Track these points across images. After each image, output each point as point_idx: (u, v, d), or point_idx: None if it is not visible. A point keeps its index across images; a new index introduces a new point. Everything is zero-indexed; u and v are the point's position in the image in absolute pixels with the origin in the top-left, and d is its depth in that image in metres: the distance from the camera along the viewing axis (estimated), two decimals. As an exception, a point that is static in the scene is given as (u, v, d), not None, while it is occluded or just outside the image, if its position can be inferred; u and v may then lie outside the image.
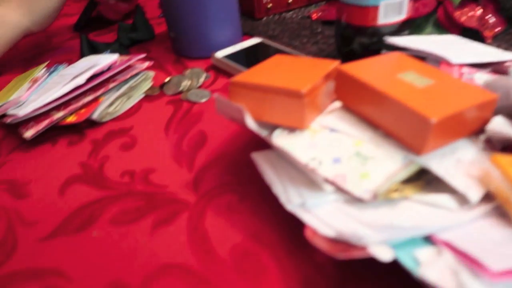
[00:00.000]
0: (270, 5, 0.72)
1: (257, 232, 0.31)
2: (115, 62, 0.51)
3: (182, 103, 0.49)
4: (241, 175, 0.36)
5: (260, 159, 0.33)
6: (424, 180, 0.30)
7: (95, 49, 0.64)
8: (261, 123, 0.36)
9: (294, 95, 0.33)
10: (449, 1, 0.55)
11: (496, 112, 0.34)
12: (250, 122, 0.32)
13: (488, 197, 0.28)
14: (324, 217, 0.27)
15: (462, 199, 0.28)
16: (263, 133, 0.36)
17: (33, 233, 0.32)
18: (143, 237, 0.31)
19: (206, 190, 0.35)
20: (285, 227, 0.31)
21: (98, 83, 0.49)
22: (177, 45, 0.61)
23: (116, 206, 0.34)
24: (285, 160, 0.32)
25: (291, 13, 0.74)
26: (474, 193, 0.27)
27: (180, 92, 0.52)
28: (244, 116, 0.32)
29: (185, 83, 0.53)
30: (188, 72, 0.55)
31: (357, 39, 0.50)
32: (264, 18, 0.73)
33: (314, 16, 0.70)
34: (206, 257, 0.29)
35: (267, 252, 0.29)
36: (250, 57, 0.57)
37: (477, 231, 0.25)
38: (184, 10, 0.56)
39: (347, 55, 0.53)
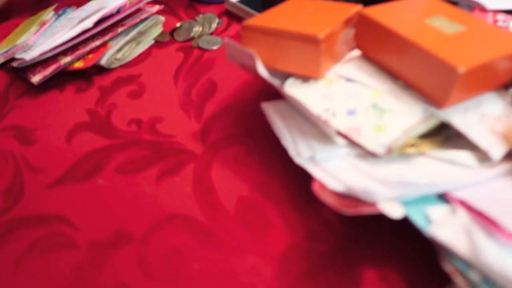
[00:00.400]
0: None
1: (263, 185, 0.30)
2: (125, 5, 0.49)
3: (192, 50, 0.47)
4: (250, 126, 0.35)
5: (270, 109, 0.31)
6: (444, 135, 0.28)
7: (105, -8, 0.62)
8: (273, 71, 0.34)
9: (309, 40, 0.30)
10: None
11: (531, 64, 0.31)
12: (262, 69, 0.30)
13: (511, 155, 0.26)
14: (334, 171, 0.25)
15: (483, 157, 0.26)
16: (275, 82, 0.34)
17: (40, 180, 0.32)
18: (148, 187, 0.31)
19: (213, 141, 0.34)
20: (293, 180, 0.30)
21: (106, 27, 0.47)
22: (189, -11, 0.58)
23: (122, 155, 0.34)
24: (297, 111, 0.31)
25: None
26: (497, 151, 0.25)
27: (191, 39, 0.50)
28: (255, 62, 0.30)
29: (197, 29, 0.50)
30: (200, 17, 0.53)
31: (382, -18, 0.46)
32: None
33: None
34: (211, 209, 0.28)
35: (273, 206, 0.28)
36: (266, 2, 0.53)
37: (496, 190, 0.23)
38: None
39: (371, 0, 0.49)
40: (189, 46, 0.48)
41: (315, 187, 0.24)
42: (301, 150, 0.27)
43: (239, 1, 0.53)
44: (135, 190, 0.31)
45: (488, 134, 0.26)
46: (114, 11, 0.47)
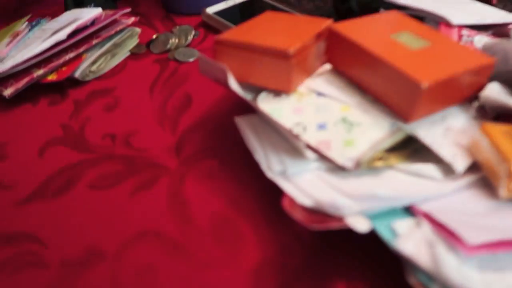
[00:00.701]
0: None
1: (236, 199, 0.30)
2: (100, 16, 0.49)
3: (168, 63, 0.47)
4: (225, 139, 0.35)
5: (243, 123, 0.32)
6: (411, 148, 0.29)
7: (80, 2, 0.61)
8: (247, 85, 0.35)
9: (280, 55, 0.31)
10: (455, -44, 0.51)
11: (493, 78, 0.32)
12: (233, 84, 0.31)
13: (475, 167, 0.27)
14: (304, 186, 0.26)
15: (448, 169, 0.27)
16: (247, 96, 0.34)
17: (9, 197, 0.32)
18: (121, 203, 0.31)
19: (188, 154, 0.34)
20: (265, 194, 0.30)
21: (81, 39, 0.46)
22: (166, 1, 0.58)
23: (95, 170, 0.33)
24: (269, 126, 0.31)
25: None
26: (460, 163, 0.26)
27: (168, 51, 0.50)
28: (227, 77, 0.31)
29: (173, 41, 0.50)
30: (176, 29, 0.53)
31: (355, -4, 0.47)
32: (260, -28, 0.69)
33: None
34: (184, 225, 0.29)
35: (245, 220, 0.29)
36: (243, 14, 0.54)
37: (459, 202, 0.24)
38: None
39: (344, 14, 0.50)
40: (165, 58, 0.48)
41: (285, 203, 0.25)
42: (273, 165, 0.28)
43: (215, 13, 0.54)
44: (108, 206, 0.30)
45: (452, 147, 0.27)
46: (88, 23, 0.47)
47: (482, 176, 0.26)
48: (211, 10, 0.54)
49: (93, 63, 0.46)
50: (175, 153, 0.35)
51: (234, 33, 0.34)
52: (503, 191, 0.23)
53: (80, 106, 0.41)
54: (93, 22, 0.47)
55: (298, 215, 0.23)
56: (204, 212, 0.29)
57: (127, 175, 0.33)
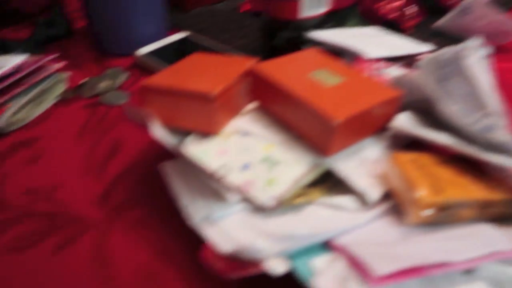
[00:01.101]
0: (199, -4, 0.70)
1: (164, 250, 0.29)
2: (24, 63, 0.47)
3: (98, 107, 0.46)
4: (154, 186, 0.35)
5: (167, 169, 0.32)
6: (331, 181, 0.30)
7: (6, 48, 0.59)
8: (176, 128, 0.35)
9: (203, 98, 0.31)
10: (370, -8, 0.55)
11: (403, 107, 0.34)
12: (157, 131, 0.30)
13: (389, 195, 0.28)
14: (226, 230, 0.26)
15: (364, 200, 0.28)
16: (174, 141, 0.34)
17: None
18: (42, 264, 0.29)
19: (114, 204, 0.33)
20: (193, 242, 0.30)
21: (3, 88, 0.45)
22: (98, 42, 0.58)
23: (14, 230, 0.31)
24: (194, 170, 0.31)
25: (221, 4, 0.72)
26: (373, 193, 0.27)
27: (98, 95, 0.49)
28: (151, 123, 0.30)
29: (103, 85, 0.50)
30: (107, 72, 0.52)
31: (281, 33, 0.49)
32: (194, 10, 0.70)
33: (244, 7, 0.69)
34: (107, 282, 0.27)
35: (173, 271, 0.28)
36: (175, 54, 0.54)
37: (374, 232, 0.25)
38: (104, 3, 0.53)
39: (272, 50, 0.52)
40: (95, 103, 0.47)
41: (204, 254, 0.24)
42: (196, 211, 0.28)
43: (148, 54, 0.54)
44: (27, 268, 0.29)
45: (366, 178, 0.28)
46: (12, 70, 0.45)
47: (395, 204, 0.28)
48: (143, 51, 0.54)
49: (17, 112, 0.44)
50: (101, 204, 0.33)
51: (160, 77, 0.34)
52: (410, 218, 0.25)
53: (0, 159, 0.39)
54: (17, 69, 0.46)
55: (218, 265, 0.23)
56: (129, 266, 0.28)
57: (49, 233, 0.31)
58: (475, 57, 0.29)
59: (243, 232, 0.25)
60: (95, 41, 0.58)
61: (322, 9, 0.48)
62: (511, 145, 0.26)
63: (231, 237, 0.25)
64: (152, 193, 0.34)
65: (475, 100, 0.28)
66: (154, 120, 0.31)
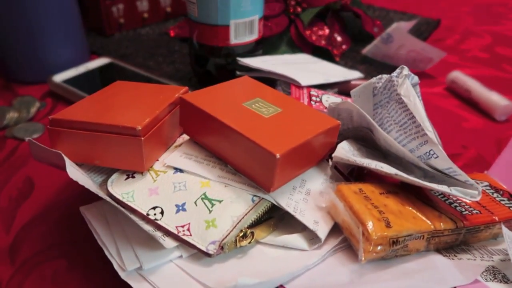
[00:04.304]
0: (122, 20, 0.66)
1: (88, 308, 0.25)
2: None
3: (5, 142, 0.40)
4: (73, 232, 0.30)
5: (90, 213, 0.27)
6: (276, 217, 0.28)
7: None
8: (95, 166, 0.31)
9: (128, 133, 0.28)
10: (300, 21, 0.56)
11: (343, 135, 0.34)
12: (73, 172, 0.26)
13: (338, 228, 0.27)
14: (162, 283, 0.23)
15: (313, 235, 0.26)
16: (98, 178, 0.30)
17: None
18: None
19: (26, 257, 0.28)
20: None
21: None
22: (4, 68, 0.51)
23: None
24: (122, 213, 0.27)
25: (147, 29, 0.69)
26: (322, 230, 0.26)
27: (5, 128, 0.43)
28: (64, 163, 0.26)
29: (11, 116, 0.44)
30: (16, 101, 0.46)
31: (211, 60, 0.47)
32: (116, 35, 0.66)
33: (172, 32, 0.66)
34: None
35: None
36: (95, 81, 0.50)
37: (325, 272, 0.23)
38: (11, 23, 0.47)
39: (203, 76, 0.50)
40: (1, 137, 0.41)
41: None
42: (127, 261, 0.24)
43: (64, 81, 0.49)
44: None
45: (313, 212, 0.27)
46: None
47: (344, 238, 0.26)
48: (58, 78, 0.49)
49: None
50: (9, 259, 0.28)
51: (74, 109, 0.30)
52: (361, 255, 0.23)
53: None
54: None
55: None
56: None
57: None
58: (408, 84, 0.29)
59: (182, 286, 0.22)
60: (1, 66, 0.52)
61: (253, 36, 0.47)
62: (451, 171, 0.26)
63: (168, 294, 0.22)
64: (72, 240, 0.29)
65: (412, 127, 0.28)
66: (67, 160, 0.27)
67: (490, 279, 0.24)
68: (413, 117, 0.28)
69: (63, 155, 0.26)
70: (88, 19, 0.66)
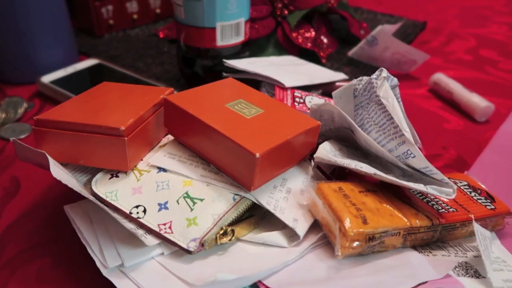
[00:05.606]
0: (111, 21, 0.66)
1: (72, 306, 0.25)
2: None
3: (-8, 142, 0.41)
4: (59, 231, 0.30)
5: (74, 212, 0.28)
6: (258, 215, 0.29)
7: None
8: (80, 166, 0.31)
9: (112, 133, 0.28)
10: (286, 23, 0.56)
11: (325, 135, 0.35)
12: (56, 171, 0.27)
13: (317, 225, 0.27)
14: (144, 280, 0.23)
15: (292, 232, 0.27)
16: (83, 178, 0.31)
17: None
18: None
19: (11, 256, 0.28)
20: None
21: None
22: (-8, 69, 0.51)
23: None
24: (105, 212, 0.28)
25: (136, 30, 0.69)
26: (301, 227, 0.26)
27: (-8, 128, 0.43)
28: (49, 163, 0.27)
29: (-2, 117, 0.44)
30: (4, 102, 0.46)
31: (198, 61, 0.48)
32: (106, 36, 0.66)
33: (161, 34, 0.67)
34: None
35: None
36: (84, 82, 0.50)
37: (303, 268, 0.24)
38: None
39: (191, 78, 0.50)
40: (-13, 138, 0.41)
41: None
42: (109, 259, 0.24)
43: (52, 82, 0.49)
44: None
45: (293, 210, 0.27)
46: None
47: (323, 235, 0.27)
48: (47, 78, 0.49)
49: None
50: (-7, 258, 0.28)
51: (60, 110, 0.30)
52: (339, 250, 0.24)
53: None
54: None
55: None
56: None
57: None
58: (387, 86, 0.30)
59: (163, 282, 0.23)
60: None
61: (240, 38, 0.48)
62: (428, 170, 0.27)
63: (149, 289, 0.22)
64: (57, 239, 0.30)
65: (390, 128, 0.29)
66: (51, 160, 0.27)
67: (462, 274, 0.25)
68: (392, 118, 0.29)
69: (47, 155, 0.26)
70: (78, 20, 0.66)
